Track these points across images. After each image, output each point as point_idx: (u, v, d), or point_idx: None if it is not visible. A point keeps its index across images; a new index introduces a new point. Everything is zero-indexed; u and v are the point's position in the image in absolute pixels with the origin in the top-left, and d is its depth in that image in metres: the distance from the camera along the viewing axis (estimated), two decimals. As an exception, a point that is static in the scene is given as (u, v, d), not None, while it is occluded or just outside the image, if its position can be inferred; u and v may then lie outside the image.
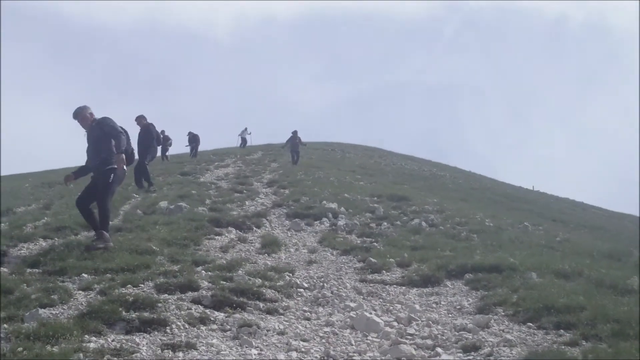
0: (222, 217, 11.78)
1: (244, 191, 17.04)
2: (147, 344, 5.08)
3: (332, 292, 7.35)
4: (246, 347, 5.23)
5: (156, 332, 5.37)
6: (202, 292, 6.55)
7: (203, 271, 7.60)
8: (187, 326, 5.58)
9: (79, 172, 8.80)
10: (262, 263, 8.74)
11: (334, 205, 14.03)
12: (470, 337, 5.54)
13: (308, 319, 6.34)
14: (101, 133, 8.34)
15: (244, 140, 42.67)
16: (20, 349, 4.53)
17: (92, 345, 4.82)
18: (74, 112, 8.50)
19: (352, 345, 5.51)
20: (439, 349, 5.31)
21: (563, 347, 5.04)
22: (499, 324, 5.94)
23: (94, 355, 4.63)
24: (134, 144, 15.56)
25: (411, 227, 12.25)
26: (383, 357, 5.12)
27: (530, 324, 5.79)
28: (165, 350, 4.96)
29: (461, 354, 5.16)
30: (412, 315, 6.33)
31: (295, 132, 27.92)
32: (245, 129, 43.65)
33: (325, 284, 7.74)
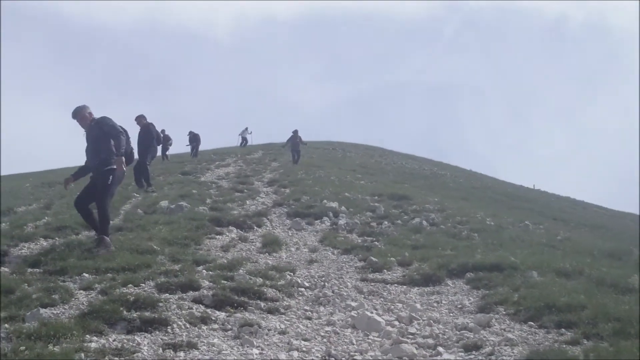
0: (223, 217, 11.78)
1: (245, 190, 17.04)
2: (148, 343, 5.08)
3: (333, 292, 7.35)
4: (247, 347, 5.23)
5: (157, 332, 5.37)
6: (203, 291, 6.55)
7: (204, 270, 7.60)
8: (188, 326, 5.57)
9: (78, 173, 8.79)
10: (263, 262, 8.74)
11: (334, 205, 14.03)
12: (472, 336, 5.54)
13: (309, 319, 6.34)
14: (100, 133, 8.32)
15: (244, 140, 42.67)
16: (21, 348, 4.54)
17: (93, 345, 4.83)
18: (73, 112, 8.48)
19: (353, 344, 5.50)
20: (440, 348, 5.31)
21: (564, 346, 5.04)
22: (500, 323, 5.93)
23: (95, 355, 4.63)
24: (134, 144, 15.61)
25: (412, 226, 12.25)
26: (384, 357, 5.12)
27: (532, 323, 5.79)
28: (167, 350, 4.96)
29: (462, 353, 5.16)
30: (413, 315, 6.33)
31: (295, 132, 27.93)
32: (246, 128, 43.67)
33: (326, 283, 7.74)
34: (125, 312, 5.57)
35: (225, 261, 8.27)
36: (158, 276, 6.93)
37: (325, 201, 14.41)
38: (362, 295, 7.32)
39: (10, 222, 10.42)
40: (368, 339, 5.66)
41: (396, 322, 6.16)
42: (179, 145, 34.83)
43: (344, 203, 14.48)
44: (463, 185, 28.69)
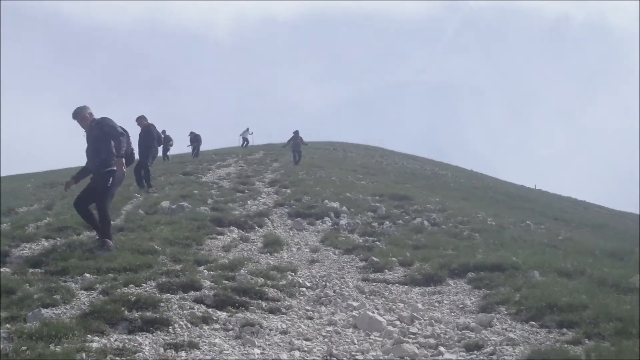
0: (224, 217, 11.78)
1: (246, 191, 17.05)
2: (149, 343, 5.08)
3: (334, 291, 7.34)
4: (249, 347, 5.23)
5: (159, 332, 5.37)
6: (204, 291, 6.55)
7: (205, 271, 7.60)
8: (189, 326, 5.57)
9: (79, 175, 8.76)
10: (265, 262, 8.74)
11: (335, 205, 14.03)
12: (473, 335, 5.54)
13: (310, 318, 6.34)
14: (101, 133, 8.30)
15: (245, 140, 42.67)
16: (23, 348, 4.54)
17: (94, 345, 4.83)
18: (73, 112, 8.46)
19: (354, 344, 5.50)
20: (441, 348, 5.31)
21: (566, 345, 5.04)
22: (502, 322, 5.93)
23: (96, 355, 4.63)
24: (135, 145, 15.61)
25: (413, 226, 12.24)
26: (386, 356, 5.12)
27: (533, 323, 5.78)
28: (168, 350, 4.96)
29: (464, 353, 5.15)
30: (415, 314, 6.32)
31: (296, 132, 27.87)
32: (247, 129, 43.66)
33: (327, 283, 7.73)
34: (126, 312, 5.57)
35: (227, 261, 8.27)
36: (159, 276, 6.93)
37: (326, 201, 14.41)
38: (364, 295, 7.31)
39: (11, 222, 10.44)
40: (369, 338, 5.66)
41: (398, 322, 6.16)
42: (180, 146, 34.81)
43: (345, 203, 14.48)
44: (464, 186, 28.67)
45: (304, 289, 7.42)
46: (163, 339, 5.22)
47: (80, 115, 8.45)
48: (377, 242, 10.55)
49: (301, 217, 12.82)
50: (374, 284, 7.86)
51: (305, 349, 5.29)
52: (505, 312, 6.24)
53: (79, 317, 5.39)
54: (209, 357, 4.88)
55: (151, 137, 16.29)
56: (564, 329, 5.49)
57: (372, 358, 5.13)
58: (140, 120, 16.51)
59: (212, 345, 5.16)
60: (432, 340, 5.52)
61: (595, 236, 16.15)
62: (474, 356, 5.06)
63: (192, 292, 6.54)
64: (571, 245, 11.47)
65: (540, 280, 7.24)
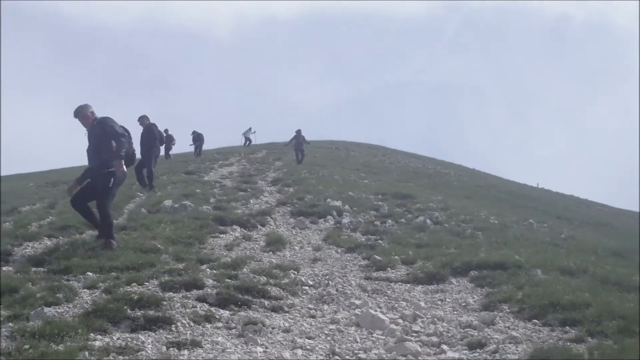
0: (227, 216, 11.78)
1: (249, 190, 17.05)
2: (152, 342, 5.08)
3: (337, 290, 7.34)
4: (251, 345, 5.23)
5: (161, 330, 5.38)
6: (207, 290, 6.56)
7: (208, 269, 7.60)
8: (192, 324, 5.58)
9: (83, 177, 8.69)
10: (267, 261, 8.74)
11: (338, 204, 14.02)
12: (476, 334, 5.53)
13: (313, 317, 6.34)
14: (102, 133, 8.24)
15: (248, 140, 42.63)
16: (25, 347, 4.54)
17: (97, 343, 4.83)
18: (74, 111, 8.41)
19: (357, 342, 5.50)
20: (444, 346, 5.31)
21: (569, 343, 5.04)
22: (505, 320, 5.93)
23: (99, 353, 4.63)
24: (137, 145, 15.60)
25: (416, 225, 12.24)
26: (388, 355, 5.11)
27: (536, 321, 5.78)
28: (171, 348, 4.96)
29: (467, 351, 5.15)
30: (417, 313, 6.32)
31: (299, 131, 27.81)
32: (250, 128, 43.65)
33: (330, 282, 7.73)
34: (129, 311, 5.58)
35: (229, 260, 8.27)
36: (162, 275, 6.93)
37: (329, 200, 14.41)
38: (366, 294, 7.31)
39: (14, 221, 10.46)
40: (372, 337, 5.65)
41: (400, 320, 6.16)
42: (183, 145, 34.87)
43: (347, 202, 14.48)
44: (467, 184, 28.65)
45: (307, 288, 7.42)
46: (166, 337, 5.22)
47: (82, 113, 8.41)
48: (380, 241, 10.55)
49: (304, 216, 12.81)
50: (376, 282, 7.86)
51: (308, 347, 5.29)
52: (508, 311, 6.24)
53: (81, 316, 5.39)
54: (211, 356, 4.88)
55: (153, 137, 16.28)
56: (567, 327, 5.48)
57: (374, 356, 5.13)
58: (142, 120, 16.50)
59: (215, 343, 5.16)
60: (434, 339, 5.52)
61: (597, 234, 16.15)
62: (476, 354, 5.06)
63: (195, 290, 6.55)
64: (574, 243, 11.47)
65: (542, 279, 7.23)
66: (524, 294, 6.53)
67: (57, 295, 5.97)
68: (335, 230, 11.68)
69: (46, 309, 5.47)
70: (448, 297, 7.11)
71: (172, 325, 5.47)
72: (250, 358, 4.94)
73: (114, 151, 8.17)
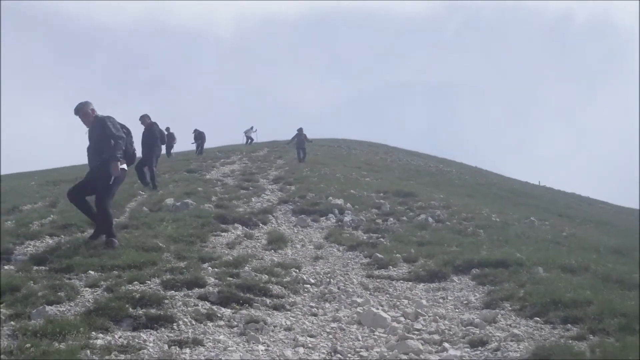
0: (228, 214, 11.79)
1: (250, 188, 17.04)
2: (154, 340, 5.08)
3: (338, 288, 7.34)
4: (253, 343, 5.23)
5: (163, 329, 5.37)
6: (208, 288, 6.55)
7: (209, 268, 7.61)
8: (194, 322, 5.58)
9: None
10: (269, 259, 8.74)
11: (340, 202, 14.02)
12: (478, 331, 5.53)
13: (315, 315, 6.34)
14: (102, 132, 8.23)
15: (250, 139, 42.58)
16: (27, 345, 4.54)
17: (99, 342, 4.83)
18: (75, 108, 8.36)
19: (359, 340, 5.50)
20: (446, 344, 5.31)
21: (570, 341, 5.04)
22: (506, 318, 5.93)
23: (101, 352, 4.63)
24: (138, 144, 15.59)
25: (417, 223, 12.24)
26: (390, 353, 5.11)
27: (538, 319, 5.78)
28: (172, 347, 4.96)
29: (468, 349, 5.15)
30: (419, 311, 6.32)
31: (300, 130, 27.73)
32: (252, 127, 43.61)
33: (331, 280, 7.73)
34: (131, 309, 5.58)
35: (231, 258, 8.28)
36: (164, 273, 6.93)
37: (330, 198, 14.40)
38: (368, 292, 7.31)
39: (16, 220, 10.46)
40: (374, 335, 5.66)
41: (402, 318, 6.16)
42: (185, 144, 34.83)
43: (349, 200, 14.48)
44: (468, 182, 28.65)
45: (308, 286, 7.42)
46: (167, 335, 5.22)
47: (82, 111, 8.35)
48: (382, 239, 10.55)
49: (305, 214, 12.81)
50: (378, 280, 7.86)
51: (310, 345, 5.29)
52: (510, 308, 6.25)
53: (83, 314, 5.39)
54: (213, 354, 4.88)
55: (154, 136, 16.28)
56: (569, 325, 5.48)
57: (376, 354, 5.13)
58: (144, 119, 16.51)
59: (217, 341, 5.16)
60: (436, 337, 5.52)
61: (599, 232, 16.14)
62: (478, 352, 5.06)
63: (197, 289, 6.55)
64: (575, 241, 11.47)
65: (544, 277, 7.24)
66: (526, 291, 6.53)
67: (59, 293, 5.97)
68: (336, 228, 11.69)
69: (48, 308, 5.47)
70: (450, 295, 7.11)
71: (174, 324, 5.47)
72: (252, 356, 4.94)
73: (107, 153, 8.10)
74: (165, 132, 20.22)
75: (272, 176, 20.22)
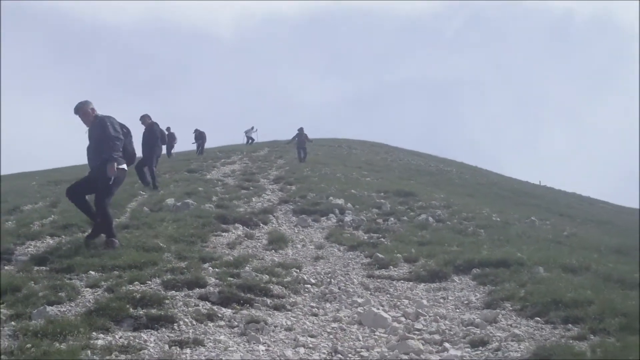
0: (229, 214, 11.79)
1: (251, 188, 17.04)
2: (154, 340, 5.09)
3: (339, 288, 7.34)
4: (254, 343, 5.23)
5: (164, 329, 5.37)
6: (209, 288, 6.55)
7: (210, 268, 7.61)
8: (194, 323, 5.58)
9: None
10: (269, 259, 8.74)
11: (340, 202, 14.02)
12: (478, 331, 5.53)
13: (315, 315, 6.34)
14: (102, 132, 8.19)
15: (250, 139, 42.57)
16: (28, 346, 4.54)
17: (99, 342, 4.83)
18: (75, 107, 8.31)
19: (359, 340, 5.50)
20: (446, 344, 5.31)
21: (571, 341, 5.04)
22: (507, 318, 5.93)
23: (101, 352, 4.64)
24: (138, 144, 15.59)
25: (418, 223, 12.23)
26: (391, 353, 5.11)
27: (538, 319, 5.78)
28: (173, 347, 4.96)
29: (469, 349, 5.15)
30: (420, 311, 6.32)
31: (301, 129, 27.68)
32: (252, 127, 43.61)
33: (332, 280, 7.73)
34: (131, 310, 5.58)
35: (232, 258, 8.28)
36: (164, 273, 6.94)
37: (331, 198, 14.40)
38: (369, 292, 7.31)
39: (17, 220, 10.47)
40: (374, 335, 5.65)
41: (402, 318, 6.16)
42: (185, 144, 34.85)
43: (350, 200, 14.48)
44: (469, 182, 28.64)
45: (309, 286, 7.42)
46: (168, 336, 5.22)
47: (82, 110, 8.30)
48: (382, 239, 10.55)
49: (306, 214, 12.81)
50: (378, 280, 7.86)
51: (310, 345, 5.29)
52: (511, 308, 6.24)
53: (84, 315, 5.40)
54: (213, 354, 4.88)
55: (155, 136, 16.27)
56: (569, 325, 5.48)
57: (377, 354, 5.13)
58: (144, 119, 16.50)
59: (217, 342, 5.16)
60: (437, 337, 5.52)
61: (600, 232, 16.14)
62: (479, 352, 5.06)
63: (197, 289, 6.55)
64: (576, 241, 11.47)
65: (545, 276, 7.23)
66: (527, 291, 6.52)
67: (60, 294, 5.98)
68: (337, 228, 11.68)
69: (48, 308, 5.47)
70: (450, 295, 7.11)
71: (175, 324, 5.47)
72: (253, 357, 4.94)
73: (107, 154, 8.06)
74: (166, 132, 20.21)
75: (273, 176, 20.22)
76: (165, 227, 9.80)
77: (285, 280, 7.41)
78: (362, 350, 5.23)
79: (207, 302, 6.21)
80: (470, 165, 43.58)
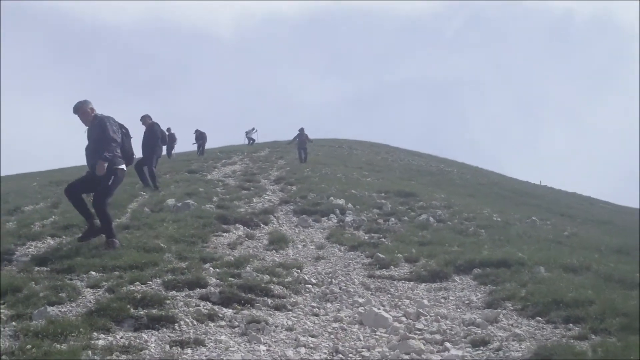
0: (230, 214, 11.78)
1: (251, 188, 17.03)
2: (155, 340, 5.09)
3: (340, 288, 7.34)
4: (255, 343, 5.23)
5: (164, 329, 5.38)
6: (210, 288, 6.56)
7: (211, 268, 7.60)
8: (195, 323, 5.58)
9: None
10: (270, 259, 8.74)
11: (341, 202, 14.01)
12: (479, 331, 5.53)
13: (316, 315, 6.34)
14: (102, 132, 8.15)
15: (251, 140, 42.55)
16: (28, 346, 4.54)
17: (100, 342, 4.84)
18: (74, 107, 8.29)
19: (360, 340, 5.50)
20: (447, 344, 5.31)
21: (572, 341, 5.04)
22: (508, 318, 5.93)
23: (102, 352, 4.64)
24: (139, 144, 15.59)
25: (419, 223, 12.23)
26: (392, 353, 5.11)
27: (539, 318, 5.78)
28: (174, 347, 4.96)
29: (470, 349, 5.15)
30: (421, 311, 6.32)
31: (302, 130, 27.67)
32: (253, 128, 43.61)
33: (333, 280, 7.73)
34: (132, 310, 5.58)
35: (232, 258, 8.28)
36: (165, 274, 6.93)
37: (331, 198, 14.40)
38: (369, 292, 7.31)
39: (17, 220, 10.47)
40: (375, 335, 5.65)
41: (403, 318, 6.16)
42: (186, 144, 34.88)
43: (350, 200, 14.47)
44: (470, 182, 28.64)
45: (310, 286, 7.42)
46: (169, 336, 5.22)
47: (81, 109, 8.28)
48: (383, 239, 10.55)
49: (307, 214, 12.81)
50: (379, 280, 7.86)
51: (311, 345, 5.29)
52: (511, 308, 6.24)
53: (84, 315, 5.40)
54: (214, 354, 4.88)
55: (155, 136, 16.25)
56: (570, 325, 5.48)
57: (378, 354, 5.12)
58: (145, 119, 16.49)
59: (218, 342, 5.16)
60: (438, 336, 5.51)
61: (600, 232, 16.13)
62: (480, 352, 5.06)
63: (198, 289, 6.55)
64: (577, 241, 11.47)
65: (546, 276, 7.23)
66: (527, 291, 6.52)
67: (60, 294, 5.98)
68: (338, 228, 11.68)
69: (49, 308, 5.48)
70: (451, 295, 7.11)
71: (175, 324, 5.47)
72: (254, 357, 4.94)
73: (100, 152, 8.01)
74: (167, 133, 20.20)
75: (274, 176, 20.21)
76: (166, 228, 9.80)
77: (286, 280, 7.41)
78: (363, 350, 5.23)
79: (208, 302, 6.22)
80: (471, 165, 43.58)
